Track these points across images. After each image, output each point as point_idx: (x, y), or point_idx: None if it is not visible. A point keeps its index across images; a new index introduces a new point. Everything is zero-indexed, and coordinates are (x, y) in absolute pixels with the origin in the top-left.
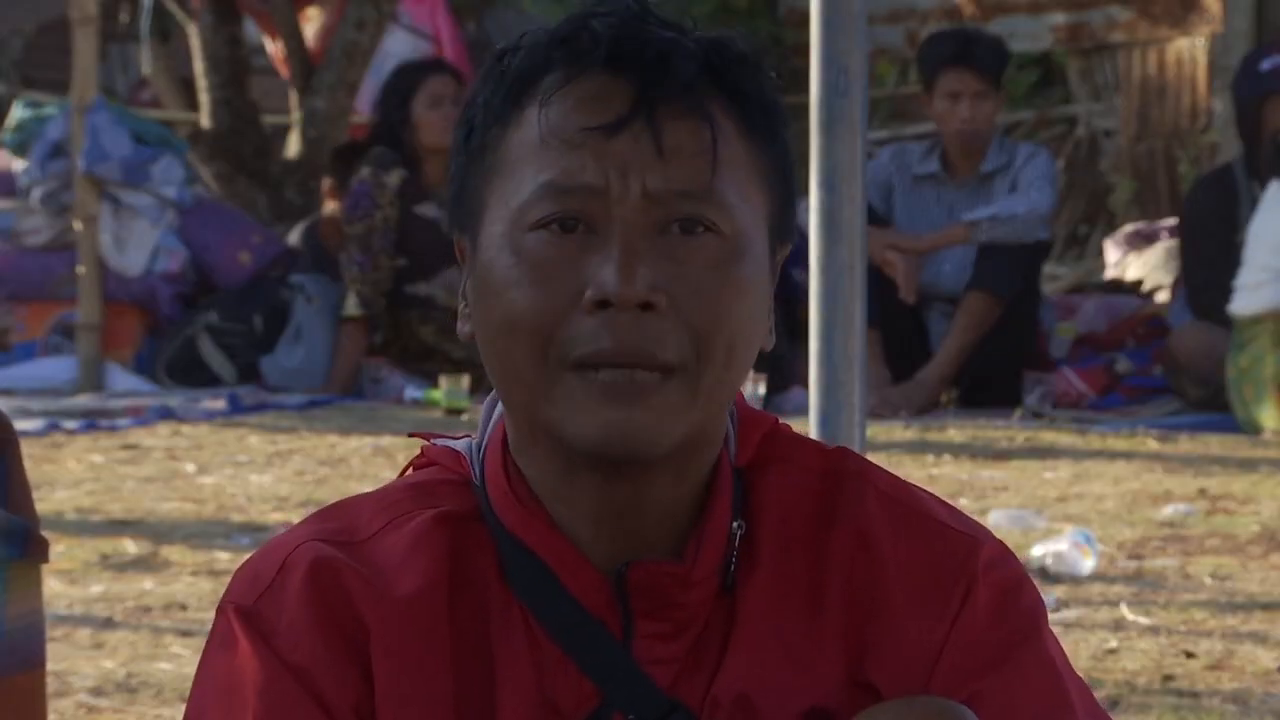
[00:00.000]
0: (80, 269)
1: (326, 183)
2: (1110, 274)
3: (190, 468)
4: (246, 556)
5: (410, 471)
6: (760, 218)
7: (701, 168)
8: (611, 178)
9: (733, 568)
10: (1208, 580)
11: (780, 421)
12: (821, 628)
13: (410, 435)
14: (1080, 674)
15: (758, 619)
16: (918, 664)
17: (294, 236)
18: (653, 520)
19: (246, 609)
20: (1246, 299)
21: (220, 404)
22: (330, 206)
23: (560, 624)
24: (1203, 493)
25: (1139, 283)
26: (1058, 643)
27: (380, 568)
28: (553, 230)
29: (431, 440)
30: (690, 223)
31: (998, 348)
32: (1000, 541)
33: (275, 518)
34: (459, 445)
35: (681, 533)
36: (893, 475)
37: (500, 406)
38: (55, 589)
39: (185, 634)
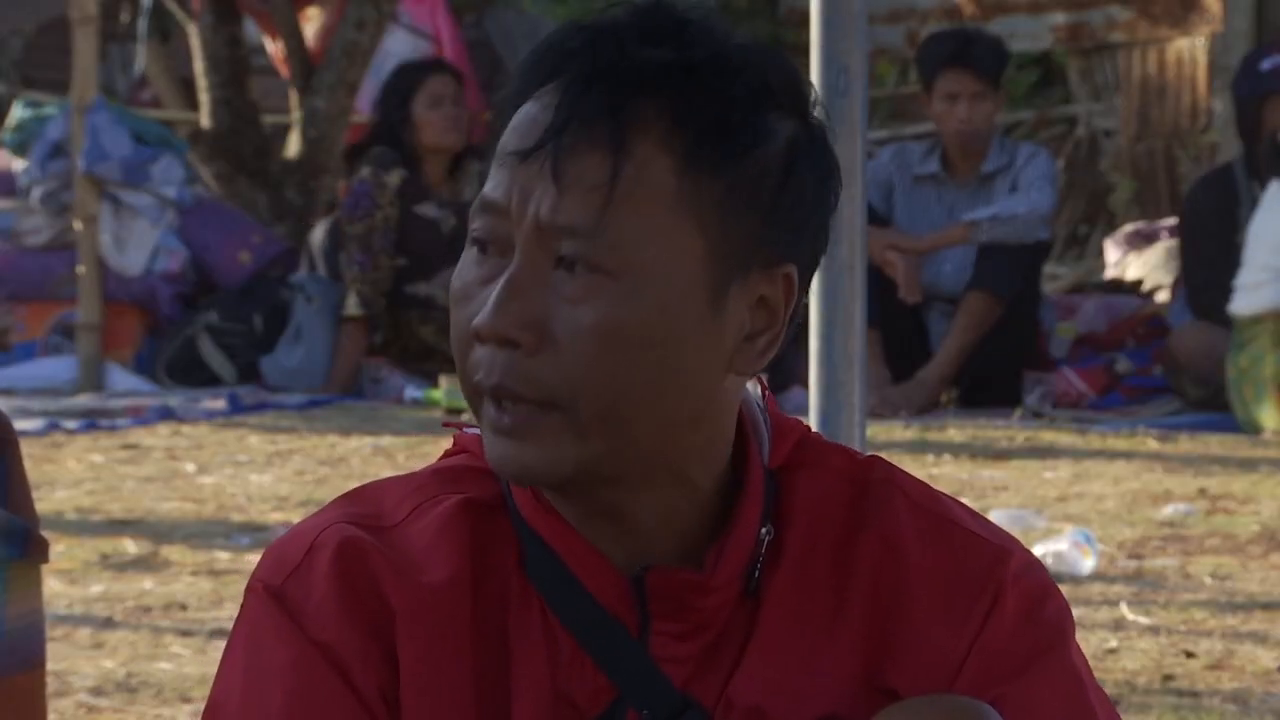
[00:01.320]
0: (80, 269)
1: (342, 184)
2: (1110, 274)
3: (190, 468)
4: (247, 556)
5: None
6: (688, 256)
7: (594, 203)
8: (515, 203)
9: (757, 573)
10: (1208, 580)
11: (812, 429)
12: (843, 633)
13: (444, 425)
14: None
15: (778, 623)
16: (940, 670)
17: (318, 235)
18: (654, 530)
19: (275, 588)
20: (1246, 299)
21: (220, 404)
22: None
23: (577, 618)
24: (1203, 493)
25: (1139, 283)
26: (1082, 653)
27: (408, 554)
28: (475, 249)
29: (464, 429)
30: (571, 261)
31: (998, 348)
32: (1028, 550)
33: (275, 518)
34: None
35: (702, 534)
36: (922, 483)
37: None
38: (55, 589)
39: (185, 634)
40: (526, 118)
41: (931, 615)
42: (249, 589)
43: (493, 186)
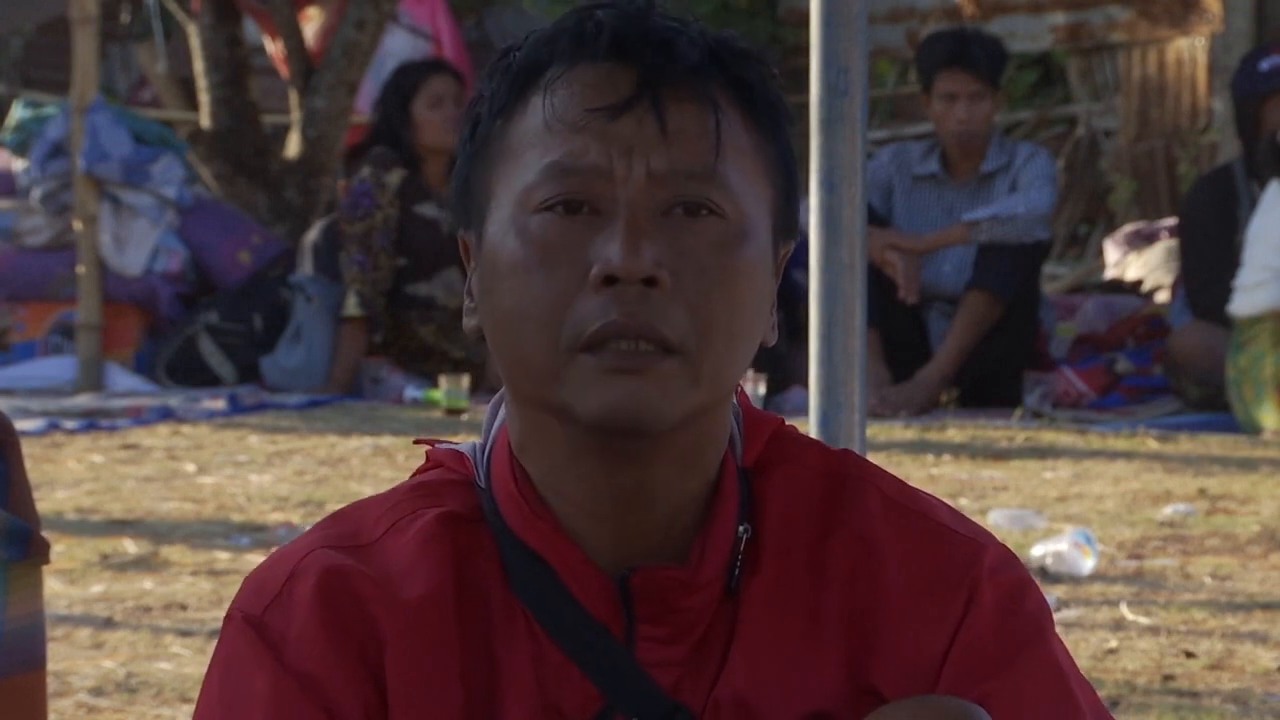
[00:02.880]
0: (80, 269)
1: (341, 184)
2: (1110, 274)
3: (190, 468)
4: (247, 556)
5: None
6: (764, 208)
7: (705, 149)
8: (615, 158)
9: (737, 571)
10: (1208, 580)
11: (786, 423)
12: (824, 632)
13: (416, 442)
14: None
15: (760, 623)
16: (921, 669)
17: (313, 234)
18: (659, 516)
19: (255, 619)
20: (1246, 299)
21: (220, 404)
22: None
23: (562, 627)
24: (1203, 493)
25: (1139, 283)
26: (1063, 645)
27: (389, 571)
28: (558, 211)
29: (436, 444)
30: (693, 204)
31: (998, 348)
32: (1004, 545)
33: (275, 518)
34: (463, 447)
35: (687, 533)
36: (896, 479)
37: (504, 410)
38: (55, 589)
39: (185, 634)
40: (593, 81)
41: (909, 613)
42: (228, 618)
43: (578, 150)
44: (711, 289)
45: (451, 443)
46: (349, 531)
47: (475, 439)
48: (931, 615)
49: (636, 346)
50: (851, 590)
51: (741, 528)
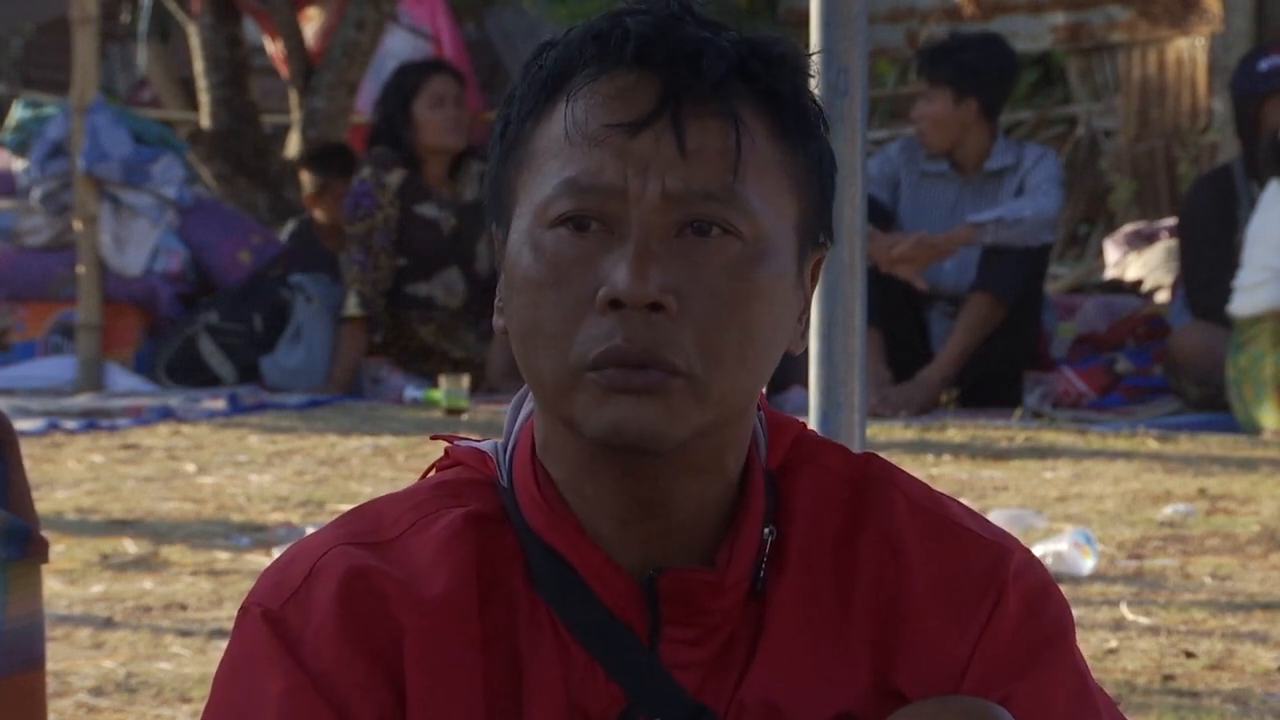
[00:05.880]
0: (80, 269)
1: (306, 177)
2: (1110, 274)
3: (190, 468)
4: (247, 556)
5: (434, 473)
6: (788, 223)
7: (724, 169)
8: (630, 177)
9: (762, 573)
10: (1208, 580)
11: (808, 427)
12: (849, 634)
13: (433, 438)
14: None
15: (786, 624)
16: (946, 672)
17: (282, 237)
18: (681, 522)
19: (272, 613)
20: (1246, 299)
21: (220, 404)
22: (318, 215)
23: (587, 627)
24: (1203, 493)
25: (1139, 283)
26: (1080, 652)
27: (410, 567)
28: (570, 228)
29: (455, 441)
30: (707, 224)
31: (999, 348)
32: (1027, 549)
33: (275, 518)
34: (485, 446)
35: (712, 535)
36: (919, 481)
37: (526, 408)
38: (55, 589)
39: (185, 634)
40: (615, 93)
41: (935, 616)
42: (244, 611)
43: (594, 167)
44: (722, 313)
45: (471, 440)
46: (369, 528)
47: (477, 437)
48: (957, 619)
49: (628, 368)
50: (877, 592)
51: (767, 530)
